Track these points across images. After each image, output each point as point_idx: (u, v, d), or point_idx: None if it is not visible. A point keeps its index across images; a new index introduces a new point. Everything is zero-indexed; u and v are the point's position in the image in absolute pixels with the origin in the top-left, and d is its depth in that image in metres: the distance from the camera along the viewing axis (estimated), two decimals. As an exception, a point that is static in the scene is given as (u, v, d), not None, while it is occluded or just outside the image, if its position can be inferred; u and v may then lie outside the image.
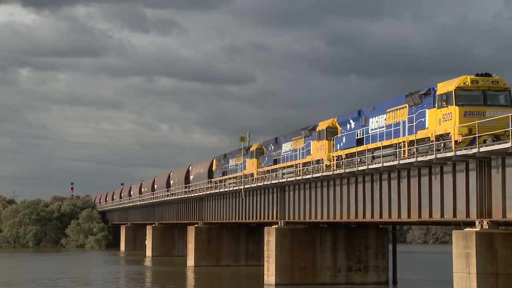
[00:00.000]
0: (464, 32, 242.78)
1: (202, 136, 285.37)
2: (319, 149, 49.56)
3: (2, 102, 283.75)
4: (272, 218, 55.63)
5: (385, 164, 38.51)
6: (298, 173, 51.01)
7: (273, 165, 58.28)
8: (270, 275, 52.24)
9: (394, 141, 39.45)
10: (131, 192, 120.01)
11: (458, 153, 32.59)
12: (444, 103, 35.09)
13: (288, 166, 54.29)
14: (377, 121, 42.28)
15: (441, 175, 35.33)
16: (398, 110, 39.91)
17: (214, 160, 77.66)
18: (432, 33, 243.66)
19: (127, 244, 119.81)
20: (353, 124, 45.41)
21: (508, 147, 29.60)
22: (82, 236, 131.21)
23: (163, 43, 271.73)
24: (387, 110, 41.19)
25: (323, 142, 48.94)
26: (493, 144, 31.05)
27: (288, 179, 51.21)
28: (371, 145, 42.07)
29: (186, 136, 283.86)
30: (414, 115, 37.86)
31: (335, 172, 44.51)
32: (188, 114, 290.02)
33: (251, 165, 64.15)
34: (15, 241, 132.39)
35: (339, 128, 47.48)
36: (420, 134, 36.92)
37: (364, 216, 42.62)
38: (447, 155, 33.29)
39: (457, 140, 33.57)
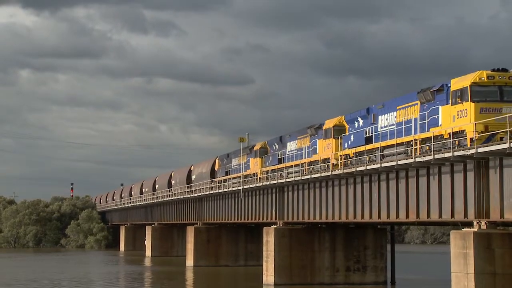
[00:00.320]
0: (461, 33, 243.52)
1: (201, 137, 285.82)
2: (325, 148, 48.46)
3: (2, 103, 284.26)
4: (271, 219, 55.71)
5: (383, 165, 38.53)
6: (304, 173, 49.85)
7: (278, 164, 57.23)
8: (269, 275, 52.33)
9: (405, 139, 38.15)
10: (132, 192, 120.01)
11: (456, 153, 32.58)
12: (459, 99, 33.75)
13: (295, 165, 52.95)
14: (386, 119, 41.15)
15: (439, 176, 35.34)
16: (409, 107, 38.76)
17: (217, 160, 77.01)
18: (429, 34, 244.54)
19: (127, 244, 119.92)
20: (361, 122, 44.32)
21: (506, 148, 29.59)
22: (82, 236, 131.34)
23: (162, 44, 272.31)
24: (397, 108, 40.04)
25: (330, 141, 47.85)
26: (491, 145, 31.04)
27: (287, 180, 51.27)
28: (378, 144, 40.83)
29: (185, 136, 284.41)
30: (427, 112, 36.59)
31: (333, 172, 44.56)
32: (187, 115, 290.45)
33: (254, 165, 63.22)
34: (15, 241, 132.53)
35: (347, 126, 46.44)
36: (433, 132, 35.38)
37: (362, 217, 42.68)
38: (445, 156, 33.26)
39: (472, 138, 32.25)
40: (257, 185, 57.19)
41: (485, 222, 32.45)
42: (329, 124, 48.47)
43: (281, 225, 53.30)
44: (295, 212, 51.78)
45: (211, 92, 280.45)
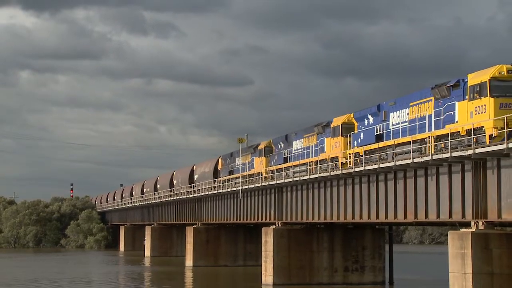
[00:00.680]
0: (459, 34, 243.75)
1: (200, 138, 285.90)
2: (334, 146, 47.05)
3: (3, 104, 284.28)
4: (270, 219, 55.82)
5: (381, 165, 38.61)
6: (311, 171, 48.37)
7: (283, 163, 55.72)
8: (267, 275, 52.44)
9: (418, 136, 36.82)
10: (133, 192, 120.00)
11: (454, 154, 32.66)
12: (477, 94, 32.37)
13: (301, 164, 51.60)
14: (398, 116, 39.87)
15: (437, 176, 35.45)
16: (423, 104, 37.45)
17: (220, 159, 75.90)
18: (427, 35, 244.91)
19: (126, 245, 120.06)
20: (371, 119, 42.99)
21: (503, 149, 29.69)
22: (82, 236, 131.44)
23: (161, 45, 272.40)
24: (410, 104, 38.73)
25: (338, 139, 46.46)
26: (489, 146, 31.11)
27: (286, 180, 51.34)
28: (392, 141, 39.55)
29: (184, 137, 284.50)
30: (442, 108, 35.32)
31: (332, 173, 44.66)
32: (186, 116, 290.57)
33: (259, 164, 61.56)
34: (15, 241, 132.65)
35: (356, 124, 45.19)
36: (449, 129, 34.13)
37: (360, 217, 42.79)
38: (443, 156, 33.34)
39: (491, 134, 31.12)
40: (256, 185, 57.28)
41: (483, 223, 32.54)
42: (337, 121, 47.15)
43: (279, 225, 53.41)
44: (293, 212, 51.90)
45: (210, 93, 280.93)
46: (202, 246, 75.75)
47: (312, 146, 51.06)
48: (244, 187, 60.27)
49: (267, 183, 54.68)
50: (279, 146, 58.31)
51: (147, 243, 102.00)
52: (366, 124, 43.64)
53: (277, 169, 56.59)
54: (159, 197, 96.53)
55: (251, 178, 60.63)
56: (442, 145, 34.60)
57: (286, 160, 55.86)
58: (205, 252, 75.57)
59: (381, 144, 40.58)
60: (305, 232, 52.36)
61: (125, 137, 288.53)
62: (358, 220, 43.25)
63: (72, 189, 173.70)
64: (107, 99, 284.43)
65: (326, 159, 47.75)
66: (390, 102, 41.14)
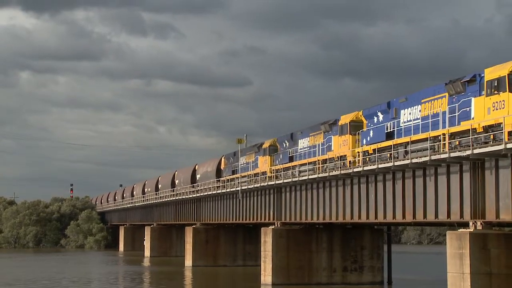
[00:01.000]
0: (457, 35, 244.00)
1: (200, 138, 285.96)
2: (341, 145, 45.87)
3: (3, 105, 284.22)
4: (269, 219, 55.91)
5: (380, 166, 38.71)
6: (317, 171, 47.50)
7: (289, 162, 54.38)
8: (266, 275, 52.53)
9: (432, 133, 35.47)
10: (134, 192, 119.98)
11: (452, 154, 32.70)
12: (495, 90, 31.10)
13: (309, 163, 50.30)
14: (410, 113, 38.63)
15: (435, 177, 35.53)
16: (436, 100, 36.23)
17: (223, 159, 74.84)
18: (426, 36, 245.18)
19: (126, 245, 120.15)
20: (381, 116, 41.87)
21: (502, 149, 29.74)
22: (82, 236, 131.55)
23: (161, 46, 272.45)
24: (422, 101, 37.54)
25: (346, 137, 45.29)
26: (487, 146, 31.18)
27: (285, 181, 51.43)
28: (404, 139, 38.23)
29: (183, 138, 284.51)
30: (457, 104, 33.95)
31: (331, 173, 44.73)
32: (185, 116, 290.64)
33: (263, 163, 60.08)
34: (15, 241, 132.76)
35: (365, 122, 44.05)
36: (465, 125, 32.88)
37: (359, 217, 42.88)
38: (441, 157, 33.41)
39: (510, 131, 29.90)
40: (255, 185, 57.37)
41: (481, 223, 32.62)
42: (345, 119, 45.96)
43: (278, 225, 53.51)
44: (292, 212, 52.00)
45: (209, 94, 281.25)
46: (202, 246, 75.87)
47: (318, 145, 49.76)
48: (243, 188, 60.33)
49: (266, 184, 54.74)
50: (284, 145, 57.12)
51: (147, 243, 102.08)
52: (375, 121, 42.57)
53: (283, 168, 54.97)
54: (160, 197, 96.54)
55: (256, 178, 59.56)
56: (457, 143, 33.65)
57: (291, 159, 54.61)
58: (205, 252, 75.67)
59: (392, 142, 39.24)
60: (304, 232, 52.46)
61: (124, 138, 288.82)
62: (357, 220, 43.34)
63: (72, 190, 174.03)
64: (107, 99, 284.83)
65: (334, 157, 46.69)
66: (401, 99, 39.99)
